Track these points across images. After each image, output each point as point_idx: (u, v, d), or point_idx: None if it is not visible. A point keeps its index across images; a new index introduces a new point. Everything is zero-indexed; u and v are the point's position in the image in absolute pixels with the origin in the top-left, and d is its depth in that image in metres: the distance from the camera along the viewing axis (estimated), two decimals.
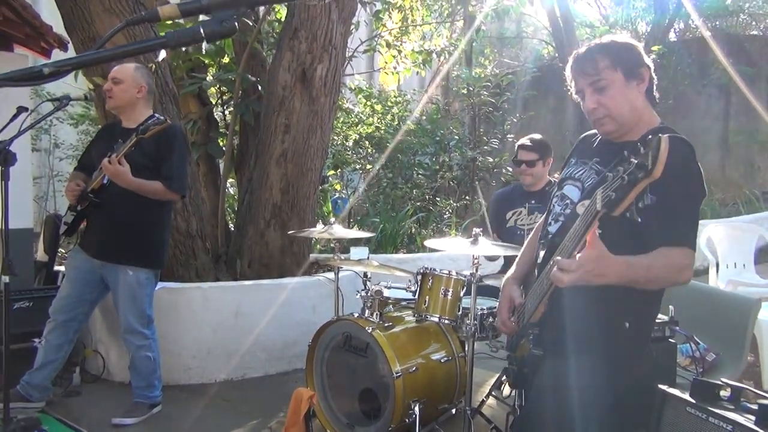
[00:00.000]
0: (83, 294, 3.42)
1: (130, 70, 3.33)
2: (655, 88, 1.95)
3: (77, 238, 3.44)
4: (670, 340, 2.73)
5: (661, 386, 2.13)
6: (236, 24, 0.95)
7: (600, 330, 1.85)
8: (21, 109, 3.21)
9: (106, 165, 3.08)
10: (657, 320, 2.36)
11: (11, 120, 3.15)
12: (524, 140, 3.84)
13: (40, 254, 4.78)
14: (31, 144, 6.15)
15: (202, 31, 0.94)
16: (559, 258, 1.63)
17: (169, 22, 5.07)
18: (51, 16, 4.51)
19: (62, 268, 4.81)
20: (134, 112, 3.37)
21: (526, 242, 2.36)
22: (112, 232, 3.28)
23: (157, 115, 3.25)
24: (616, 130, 1.92)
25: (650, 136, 1.44)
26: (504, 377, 3.68)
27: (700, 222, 7.60)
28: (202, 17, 0.96)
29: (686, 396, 2.06)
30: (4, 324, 2.90)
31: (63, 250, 5.89)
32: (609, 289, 1.73)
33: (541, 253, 2.02)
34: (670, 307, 2.84)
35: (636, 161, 1.42)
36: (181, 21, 4.70)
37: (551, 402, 1.85)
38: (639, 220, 1.58)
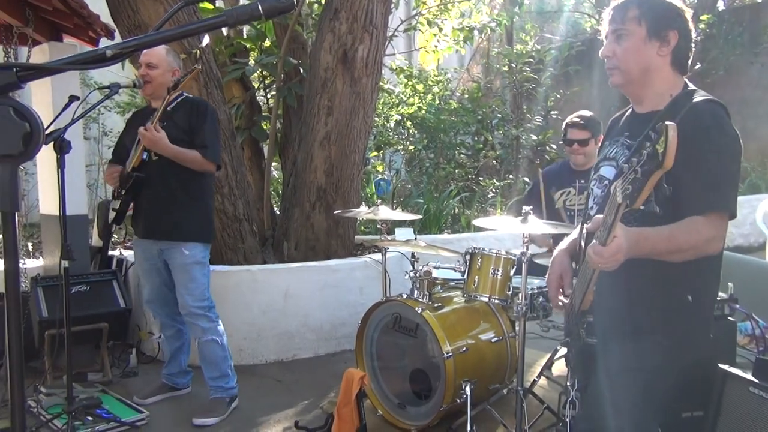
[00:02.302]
0: (163, 280, 3.46)
1: (162, 54, 3.32)
2: (689, 54, 1.86)
3: (126, 226, 3.49)
4: (729, 318, 2.65)
5: (721, 365, 2.07)
6: (294, 0, 0.93)
7: (662, 307, 1.80)
8: (73, 98, 3.27)
9: (143, 132, 3.08)
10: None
11: (64, 109, 3.22)
12: (574, 118, 3.71)
13: (95, 240, 4.92)
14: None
15: (260, 7, 0.93)
16: (594, 242, 1.58)
17: (210, 6, 5.11)
18: (97, 5, 4.58)
19: (116, 253, 4.95)
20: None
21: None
22: (160, 210, 3.30)
23: (187, 93, 3.27)
24: (622, 85, 1.89)
25: (660, 123, 1.37)
26: (554, 357, 3.66)
27: (756, 197, 7.35)
28: None
29: (749, 375, 1.99)
30: (65, 307, 2.99)
31: (116, 236, 6.05)
32: (664, 265, 1.68)
33: (584, 239, 1.97)
34: (729, 284, 2.75)
35: (647, 152, 1.37)
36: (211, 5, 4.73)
37: (617, 388, 1.81)
38: (658, 210, 1.53)
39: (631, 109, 2.00)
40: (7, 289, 1.01)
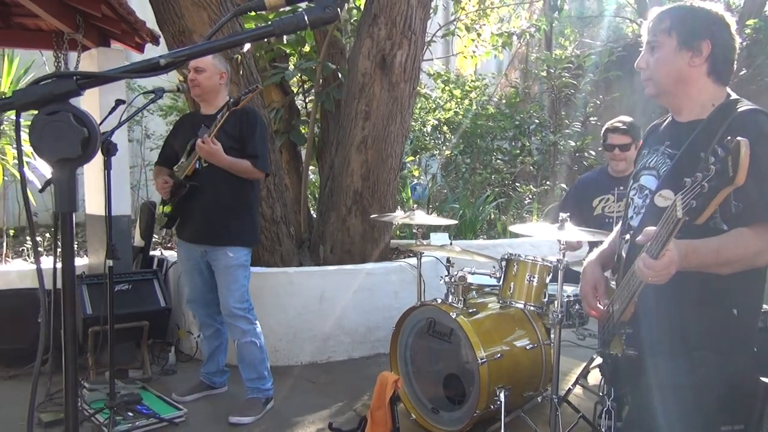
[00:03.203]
0: (205, 280, 3.53)
1: (210, 58, 3.38)
2: (729, 63, 1.81)
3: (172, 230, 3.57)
4: None
5: (763, 379, 2.03)
6: (338, 10, 0.97)
7: (708, 321, 1.77)
8: (119, 102, 3.39)
9: (200, 145, 3.16)
10: None
11: (110, 112, 3.34)
12: (615, 123, 3.68)
13: (137, 240, 5.05)
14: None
15: (306, 18, 0.96)
16: (645, 255, 1.57)
17: (253, 14, 5.21)
18: (143, 11, 4.72)
19: (157, 253, 5.07)
20: (216, 99, 3.45)
21: (615, 230, 2.27)
22: (210, 216, 3.37)
23: (232, 98, 3.31)
24: (656, 96, 1.88)
25: (728, 138, 1.35)
26: (590, 366, 3.62)
27: None
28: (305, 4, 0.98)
29: None
30: (109, 305, 3.09)
31: (157, 236, 6.20)
32: (710, 277, 1.66)
33: (624, 250, 1.95)
34: None
35: (716, 167, 1.35)
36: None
37: (662, 402, 1.79)
38: (725, 228, 1.49)
39: (671, 118, 1.97)
40: (64, 287, 1.06)
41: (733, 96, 1.82)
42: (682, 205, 1.40)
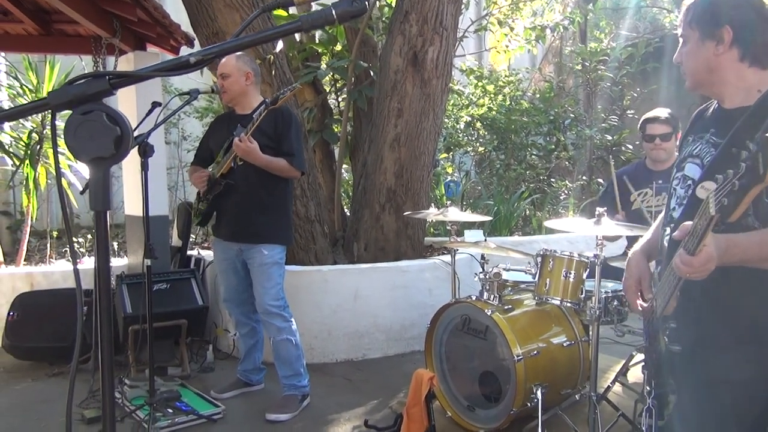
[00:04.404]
0: (240, 279, 3.57)
1: (233, 61, 3.40)
2: (757, 44, 1.73)
3: (208, 228, 3.60)
4: None
5: None
6: (366, 3, 0.96)
7: (752, 316, 1.71)
8: (155, 104, 3.44)
9: (238, 144, 3.18)
10: None
11: (147, 114, 3.39)
12: (655, 113, 3.63)
13: (175, 240, 5.13)
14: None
15: (333, 12, 0.96)
16: (682, 251, 1.52)
17: (284, 13, 5.24)
18: (177, 15, 4.79)
19: (194, 252, 5.15)
20: (247, 99, 3.47)
21: (659, 218, 2.21)
22: (246, 214, 3.40)
23: (267, 99, 3.32)
24: (693, 88, 1.86)
25: (759, 134, 1.29)
26: (629, 363, 3.55)
27: None
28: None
29: None
30: (148, 303, 3.14)
31: (194, 236, 6.29)
32: (754, 271, 1.60)
33: (666, 241, 1.90)
34: None
35: (746, 164, 1.29)
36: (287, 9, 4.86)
37: (705, 400, 1.74)
38: (758, 225, 1.44)
39: (717, 104, 1.91)
40: (98, 284, 1.08)
41: None
42: (714, 202, 1.36)
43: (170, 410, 3.32)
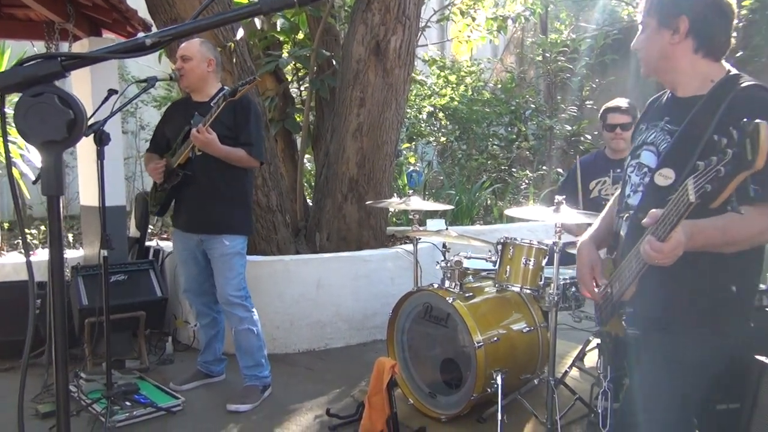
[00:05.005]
0: (201, 270, 3.53)
1: (196, 46, 3.35)
2: (717, 36, 1.79)
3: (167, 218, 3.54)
4: (767, 309, 2.59)
5: (759, 357, 2.03)
6: None
7: (707, 299, 1.76)
8: (111, 92, 3.36)
9: (195, 135, 3.12)
10: None
11: (103, 102, 3.32)
12: (615, 103, 3.70)
13: (132, 231, 5.03)
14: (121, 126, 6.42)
15: None
16: (652, 237, 1.56)
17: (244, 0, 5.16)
18: (135, 1, 4.67)
19: (153, 243, 5.06)
20: (206, 87, 3.41)
21: (606, 207, 2.26)
22: (205, 204, 3.36)
23: (226, 89, 3.24)
24: (648, 75, 1.92)
25: (745, 119, 1.33)
26: (586, 348, 3.63)
27: None
28: None
29: None
30: (105, 295, 3.08)
31: (152, 227, 6.18)
32: (710, 256, 1.65)
33: (623, 229, 1.94)
34: None
35: (733, 151, 1.33)
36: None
37: (659, 381, 1.79)
38: (742, 212, 1.50)
39: (670, 93, 1.95)
40: (52, 273, 1.05)
41: (734, 71, 1.80)
42: (694, 188, 1.39)
43: (128, 403, 3.26)
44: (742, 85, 1.71)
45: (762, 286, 2.60)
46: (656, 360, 1.81)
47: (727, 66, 1.82)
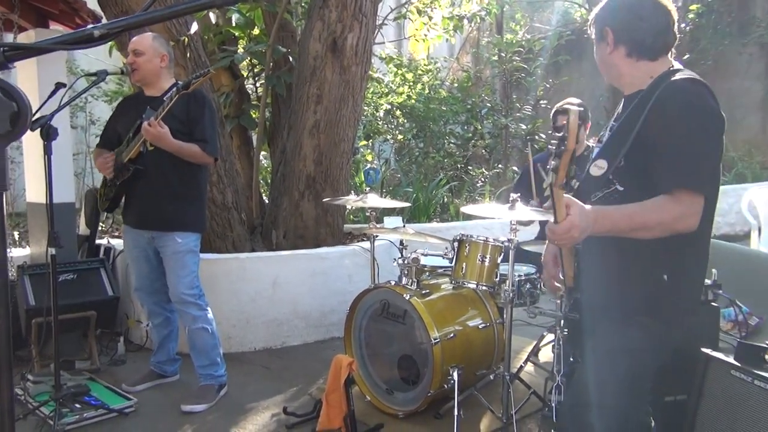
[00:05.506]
0: (152, 268, 3.45)
1: (149, 40, 3.28)
2: (643, 38, 1.86)
3: (113, 215, 3.45)
4: (712, 303, 2.69)
5: (704, 349, 2.10)
6: None
7: (640, 287, 1.82)
8: (59, 85, 3.25)
9: (147, 128, 3.04)
10: None
11: (50, 96, 3.20)
12: (564, 105, 3.76)
13: (82, 228, 4.89)
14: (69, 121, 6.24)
15: None
16: (550, 221, 1.66)
17: None
18: None
19: (103, 241, 4.93)
20: (159, 81, 3.34)
21: None
22: (157, 201, 3.28)
23: (179, 82, 3.17)
24: (607, 81, 2.09)
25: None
26: (541, 343, 3.70)
27: (742, 186, 7.42)
28: None
29: (730, 359, 2.03)
30: (52, 295, 2.98)
31: (103, 225, 6.02)
32: (640, 243, 1.71)
33: None
34: (713, 270, 2.79)
35: (560, 135, 1.51)
36: None
37: (602, 368, 1.83)
38: (621, 188, 1.66)
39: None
40: None
41: (676, 66, 1.87)
42: (551, 171, 1.56)
43: (78, 405, 3.17)
44: (673, 78, 1.79)
45: (707, 281, 2.70)
46: (600, 348, 1.86)
47: (672, 62, 1.89)
